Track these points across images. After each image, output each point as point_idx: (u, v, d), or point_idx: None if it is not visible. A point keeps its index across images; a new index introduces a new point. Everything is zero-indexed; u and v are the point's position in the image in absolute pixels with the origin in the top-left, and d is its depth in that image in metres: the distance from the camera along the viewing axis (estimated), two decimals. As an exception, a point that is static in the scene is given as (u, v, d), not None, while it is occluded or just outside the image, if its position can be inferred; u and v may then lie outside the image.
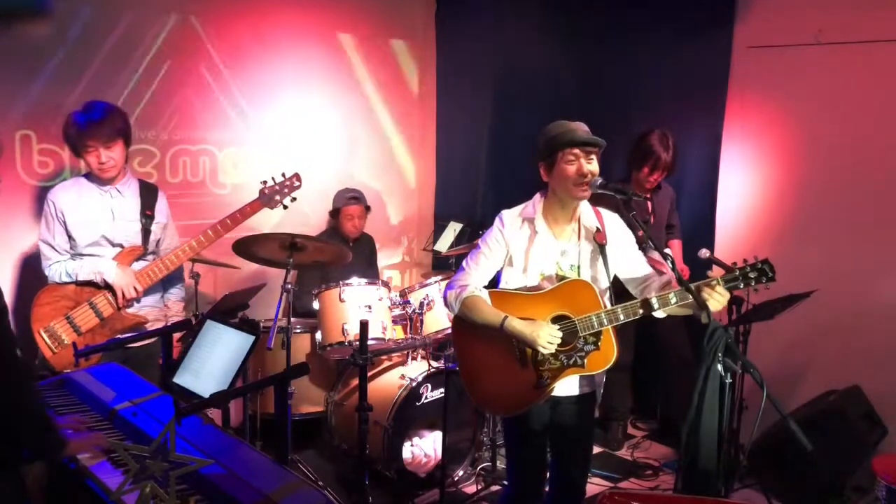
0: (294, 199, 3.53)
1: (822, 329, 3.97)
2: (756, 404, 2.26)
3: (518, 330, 2.48)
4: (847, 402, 3.68)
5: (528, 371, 2.54)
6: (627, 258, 2.67)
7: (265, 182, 3.48)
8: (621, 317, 2.50)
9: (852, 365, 3.87)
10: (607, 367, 2.54)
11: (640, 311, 2.49)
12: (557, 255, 2.60)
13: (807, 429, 2.37)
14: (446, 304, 2.67)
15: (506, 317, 2.50)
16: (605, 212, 2.69)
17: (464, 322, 2.62)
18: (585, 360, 2.52)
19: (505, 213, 2.66)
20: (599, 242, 2.60)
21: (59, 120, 3.76)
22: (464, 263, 2.67)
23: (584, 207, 2.65)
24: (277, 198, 3.48)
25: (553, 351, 2.49)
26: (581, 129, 2.55)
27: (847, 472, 3.55)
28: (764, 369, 2.26)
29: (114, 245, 3.22)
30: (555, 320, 2.52)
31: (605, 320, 2.50)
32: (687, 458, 2.82)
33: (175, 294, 3.46)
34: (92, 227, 3.18)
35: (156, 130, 4.15)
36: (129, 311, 3.23)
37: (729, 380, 2.47)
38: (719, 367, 2.44)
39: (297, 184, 3.52)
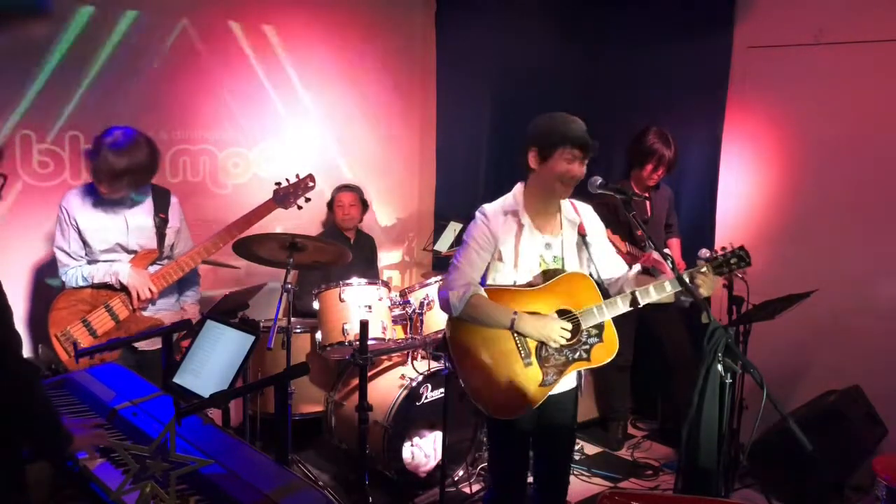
0: (308, 200, 3.58)
1: (822, 329, 3.97)
2: (756, 404, 2.26)
3: (530, 327, 2.46)
4: (847, 402, 3.68)
5: (533, 369, 2.52)
6: (602, 250, 2.69)
7: (279, 183, 3.52)
8: (621, 306, 2.52)
9: (852, 365, 3.87)
10: (611, 358, 2.56)
11: (640, 301, 2.50)
12: (542, 247, 2.60)
13: (807, 429, 2.37)
14: (447, 306, 2.54)
15: (515, 314, 2.47)
16: (579, 203, 2.71)
17: (461, 322, 2.55)
18: (590, 353, 2.54)
19: (486, 207, 2.62)
20: (581, 234, 2.63)
21: (59, 120, 3.80)
22: (455, 262, 2.59)
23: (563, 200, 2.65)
24: (291, 199, 3.52)
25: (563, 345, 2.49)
26: (581, 126, 2.54)
27: (847, 472, 3.55)
28: (764, 369, 2.26)
29: (129, 252, 3.24)
30: (558, 315, 2.53)
31: (605, 311, 2.51)
32: (687, 458, 2.82)
33: (191, 297, 3.47)
34: (106, 235, 3.19)
35: (156, 130, 4.15)
36: (146, 313, 3.24)
37: (729, 380, 2.48)
38: (719, 367, 2.44)
39: (311, 184, 3.56)
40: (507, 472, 2.70)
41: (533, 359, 2.52)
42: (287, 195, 3.51)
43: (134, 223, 3.23)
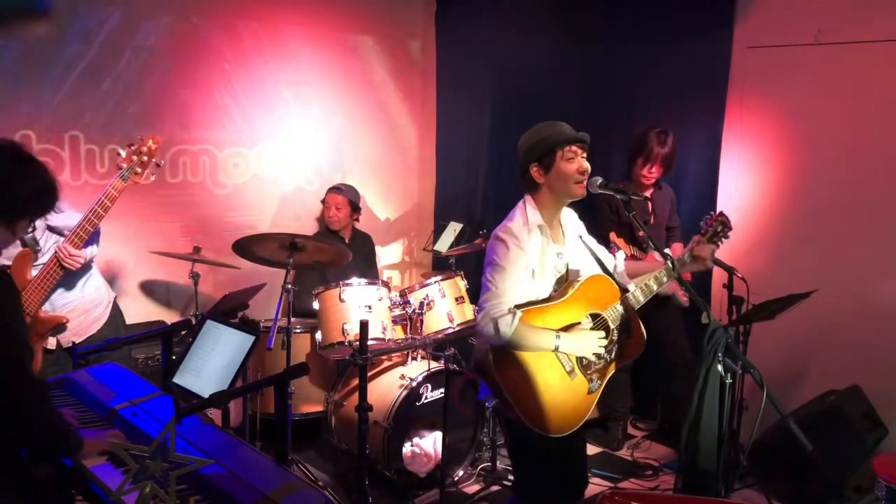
0: (159, 165, 3.21)
1: (822, 329, 3.96)
2: (756, 404, 2.26)
3: (572, 346, 2.48)
4: (847, 402, 3.68)
5: (578, 379, 2.53)
6: (595, 244, 2.73)
7: (119, 154, 3.14)
8: (641, 298, 2.60)
9: (852, 365, 3.86)
10: (641, 350, 2.63)
11: (654, 287, 2.63)
12: (555, 258, 2.59)
13: (807, 429, 2.37)
14: (496, 334, 2.35)
15: (558, 337, 2.44)
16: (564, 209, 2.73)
17: (503, 352, 2.41)
18: (623, 350, 2.62)
19: (512, 228, 2.48)
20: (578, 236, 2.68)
21: (59, 120, 3.80)
22: (492, 289, 2.42)
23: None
24: (138, 169, 3.11)
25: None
26: (566, 125, 2.56)
27: (847, 472, 3.54)
28: (764, 369, 2.26)
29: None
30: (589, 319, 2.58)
31: (627, 305, 2.59)
32: (687, 458, 2.82)
33: (92, 286, 3.26)
34: None
35: (156, 130, 4.14)
36: (48, 312, 3.13)
37: (729, 380, 2.48)
38: (719, 367, 2.45)
39: (152, 145, 3.13)
40: (562, 486, 2.64)
41: (576, 369, 2.53)
42: (132, 167, 3.09)
43: None
